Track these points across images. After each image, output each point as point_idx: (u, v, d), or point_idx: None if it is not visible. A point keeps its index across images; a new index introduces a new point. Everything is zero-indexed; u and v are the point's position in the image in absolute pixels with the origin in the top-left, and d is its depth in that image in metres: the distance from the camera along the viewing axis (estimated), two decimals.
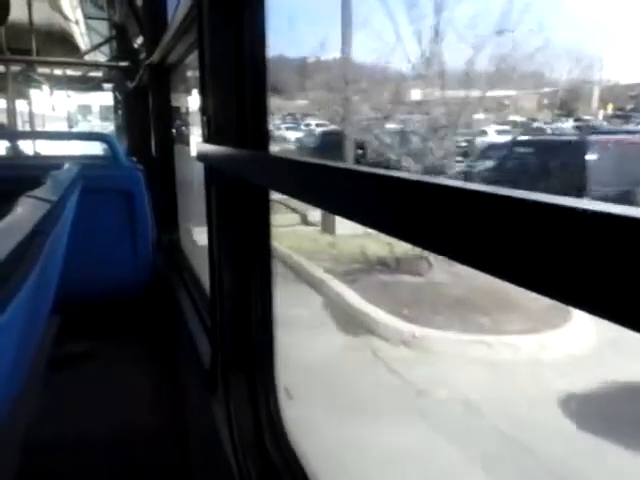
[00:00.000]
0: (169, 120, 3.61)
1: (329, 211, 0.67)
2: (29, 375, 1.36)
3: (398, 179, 0.51)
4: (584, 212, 0.32)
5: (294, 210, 10.33)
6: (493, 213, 0.39)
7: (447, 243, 0.44)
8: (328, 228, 9.49)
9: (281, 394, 1.42)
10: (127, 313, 3.18)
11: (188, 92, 4.14)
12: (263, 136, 1.34)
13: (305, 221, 10.50)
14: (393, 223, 0.51)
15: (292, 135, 28.53)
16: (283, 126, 30.34)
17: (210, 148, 1.42)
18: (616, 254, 0.30)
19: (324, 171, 0.70)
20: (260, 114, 1.34)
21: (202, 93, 1.50)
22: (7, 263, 0.93)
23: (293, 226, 10.08)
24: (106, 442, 2.26)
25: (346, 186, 0.62)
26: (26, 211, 1.37)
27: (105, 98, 15.43)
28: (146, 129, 3.98)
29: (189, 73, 3.76)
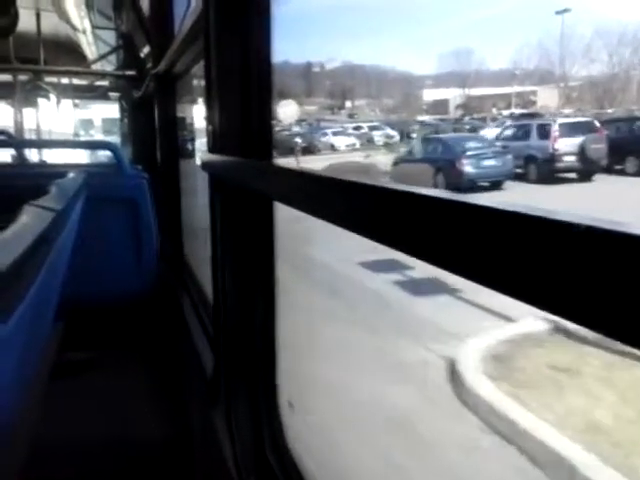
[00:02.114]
0: (174, 129, 3.62)
1: (332, 222, 0.67)
2: (33, 383, 1.35)
3: (408, 193, 0.51)
4: (573, 226, 0.32)
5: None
6: (490, 227, 0.39)
7: (449, 256, 0.44)
8: None
9: (284, 406, 1.41)
10: (130, 321, 3.18)
11: (193, 102, 4.16)
12: (268, 146, 1.34)
13: None
14: (402, 237, 0.51)
15: (341, 142, 24.76)
16: (329, 131, 26.51)
17: (215, 158, 1.42)
18: (609, 268, 0.29)
19: (330, 184, 0.70)
20: (265, 124, 1.34)
21: (208, 103, 1.50)
22: (10, 272, 0.93)
23: None
24: (108, 451, 2.24)
25: (350, 198, 0.62)
26: (30, 220, 1.37)
27: (108, 111, 15.19)
28: (151, 138, 4.00)
29: (195, 83, 3.78)
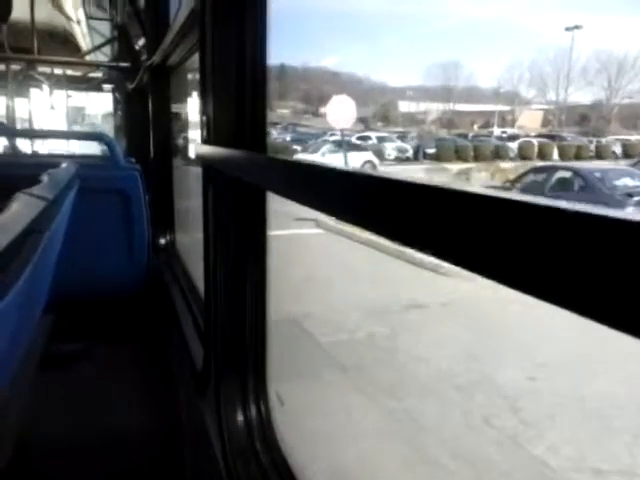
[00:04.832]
0: (168, 121, 3.61)
1: (324, 212, 0.67)
2: (20, 372, 1.35)
3: (393, 181, 0.51)
4: (567, 213, 0.32)
5: None
6: (486, 215, 0.39)
7: (440, 244, 0.44)
8: None
9: (273, 399, 1.41)
10: (122, 313, 3.17)
11: (187, 95, 4.14)
12: (261, 138, 1.34)
13: None
14: (387, 224, 0.52)
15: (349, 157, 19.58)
16: (331, 139, 22.49)
17: (208, 149, 1.42)
18: (606, 256, 0.30)
19: (321, 173, 0.70)
20: (259, 116, 1.34)
21: (202, 94, 1.50)
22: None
23: None
24: (96, 442, 2.24)
25: (343, 188, 0.62)
26: (21, 208, 1.36)
27: (75, 99, 14.62)
28: (145, 130, 3.98)
29: (189, 76, 3.77)
